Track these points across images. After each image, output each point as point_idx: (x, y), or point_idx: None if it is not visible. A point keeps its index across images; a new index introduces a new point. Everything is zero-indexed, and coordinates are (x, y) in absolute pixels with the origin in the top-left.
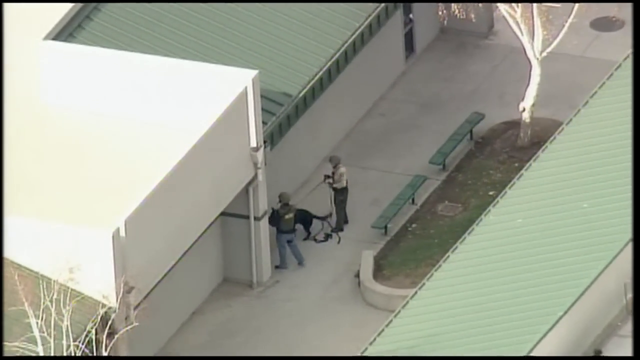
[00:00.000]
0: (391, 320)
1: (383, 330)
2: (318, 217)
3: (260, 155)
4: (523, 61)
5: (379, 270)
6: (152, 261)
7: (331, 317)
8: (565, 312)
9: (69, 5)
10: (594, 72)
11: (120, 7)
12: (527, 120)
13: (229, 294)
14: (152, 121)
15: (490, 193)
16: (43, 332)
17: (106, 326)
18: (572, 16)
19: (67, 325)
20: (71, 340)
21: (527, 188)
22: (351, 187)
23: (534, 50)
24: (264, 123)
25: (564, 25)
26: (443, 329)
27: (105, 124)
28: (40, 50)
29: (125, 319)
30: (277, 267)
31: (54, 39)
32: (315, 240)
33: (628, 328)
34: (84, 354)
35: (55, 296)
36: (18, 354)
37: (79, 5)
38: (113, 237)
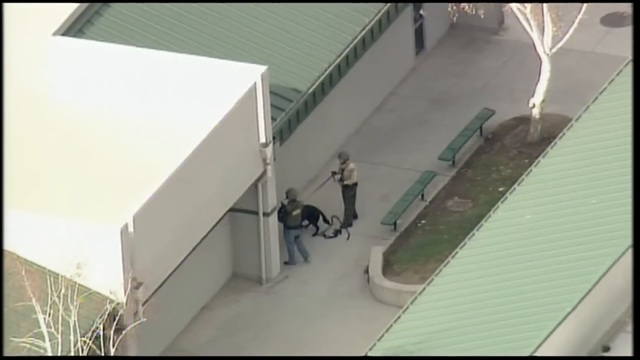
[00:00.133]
0: (400, 316)
1: (392, 326)
2: (324, 217)
3: (269, 151)
4: (533, 57)
5: (388, 266)
6: (161, 257)
7: (340, 313)
8: (574, 309)
9: None
10: (604, 68)
11: (130, 3)
12: (537, 116)
13: (237, 289)
14: (161, 116)
15: (500, 189)
16: (50, 328)
17: (114, 322)
18: (582, 12)
19: (75, 321)
20: (79, 335)
21: (536, 184)
22: (360, 182)
23: (544, 46)
24: (273, 119)
25: (574, 21)
26: (452, 324)
27: (114, 119)
28: (50, 46)
29: (134, 314)
30: (286, 262)
31: (64, 34)
32: (324, 236)
33: None
34: (91, 350)
35: (63, 292)
36: (25, 350)
37: None
38: (121, 232)
